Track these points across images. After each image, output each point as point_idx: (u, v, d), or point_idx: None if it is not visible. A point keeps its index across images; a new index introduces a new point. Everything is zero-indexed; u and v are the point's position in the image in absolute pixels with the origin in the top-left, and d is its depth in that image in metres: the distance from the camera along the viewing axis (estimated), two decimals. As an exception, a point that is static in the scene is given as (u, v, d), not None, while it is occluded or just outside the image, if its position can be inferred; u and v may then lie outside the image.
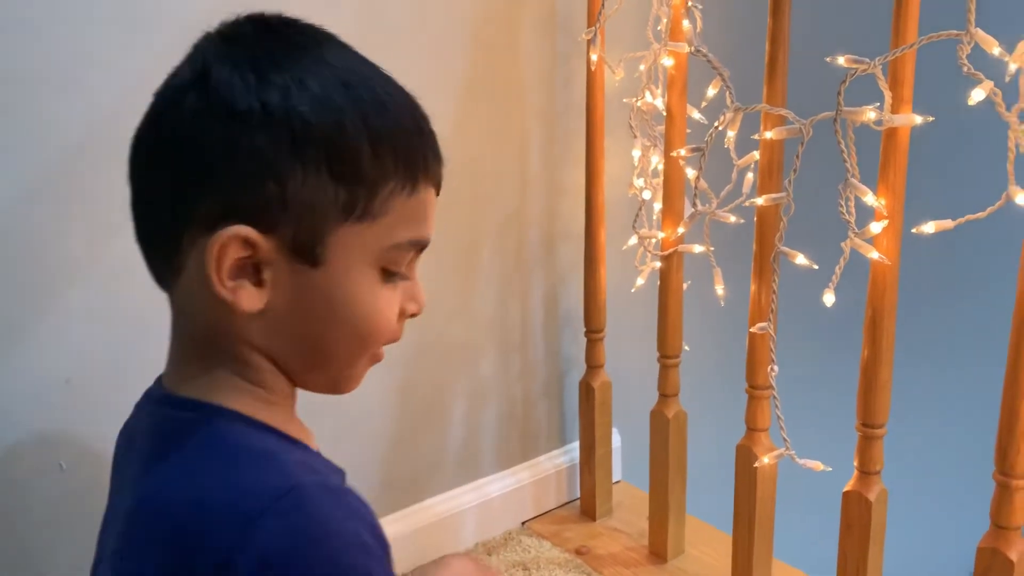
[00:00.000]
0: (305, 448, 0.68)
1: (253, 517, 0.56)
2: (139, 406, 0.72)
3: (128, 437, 0.72)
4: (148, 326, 1.01)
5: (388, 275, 0.65)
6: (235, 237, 0.59)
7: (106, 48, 0.95)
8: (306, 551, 0.56)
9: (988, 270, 1.32)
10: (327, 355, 0.66)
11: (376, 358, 0.69)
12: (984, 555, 0.92)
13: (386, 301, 0.66)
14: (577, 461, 1.44)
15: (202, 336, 0.64)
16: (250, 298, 0.61)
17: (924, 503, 1.46)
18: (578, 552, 1.32)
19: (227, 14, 0.64)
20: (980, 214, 0.89)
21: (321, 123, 0.60)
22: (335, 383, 0.69)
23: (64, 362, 0.97)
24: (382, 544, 0.60)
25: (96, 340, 0.99)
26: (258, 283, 0.62)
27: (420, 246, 0.67)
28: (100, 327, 0.99)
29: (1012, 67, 0.85)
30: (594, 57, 1.20)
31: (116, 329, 1.00)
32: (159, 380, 0.69)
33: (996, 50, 0.84)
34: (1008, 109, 0.85)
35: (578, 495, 1.45)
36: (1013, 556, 0.90)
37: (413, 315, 0.69)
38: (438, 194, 0.68)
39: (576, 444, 1.44)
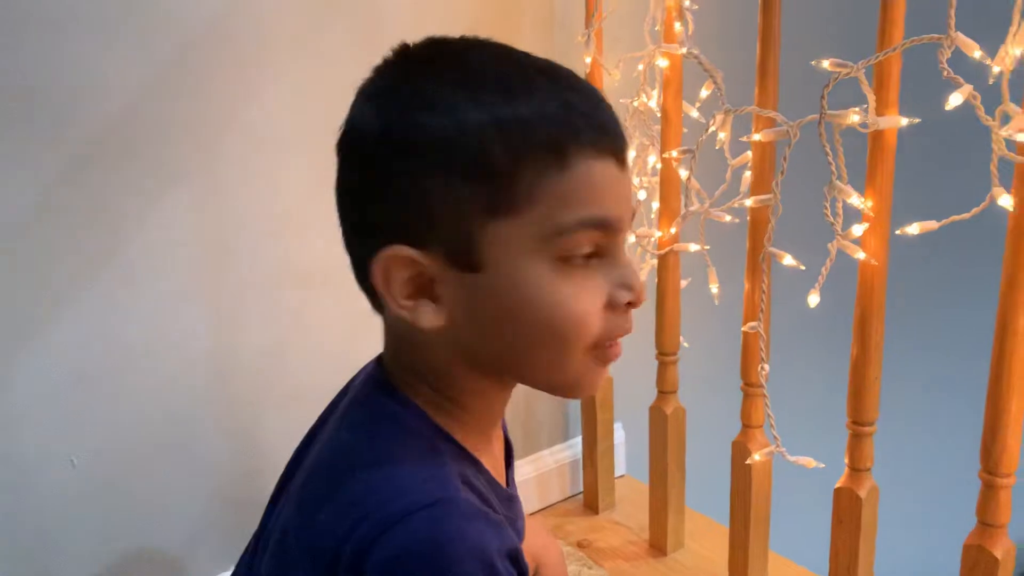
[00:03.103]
0: (479, 467, 0.67)
1: (396, 520, 0.57)
2: (361, 372, 0.74)
3: (341, 396, 0.76)
4: (160, 327, 1.05)
5: (571, 264, 0.61)
6: (393, 257, 0.60)
7: (118, 52, 0.98)
8: (427, 564, 0.56)
9: (973, 270, 1.32)
10: (524, 361, 0.64)
11: (604, 356, 0.64)
12: (970, 552, 0.93)
13: (573, 294, 0.60)
14: (580, 456, 1.46)
15: (404, 350, 0.67)
16: (428, 315, 0.62)
17: (915, 500, 1.47)
18: (579, 545, 1.35)
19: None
20: (964, 215, 0.90)
21: (438, 125, 0.58)
22: (559, 388, 0.65)
23: (76, 361, 1.01)
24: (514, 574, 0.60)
25: (108, 339, 1.02)
26: (435, 299, 0.62)
27: (600, 225, 0.61)
28: (112, 327, 1.02)
29: (995, 70, 0.85)
30: (588, 60, 1.22)
31: (128, 329, 1.03)
32: (380, 359, 0.71)
33: (977, 53, 0.84)
34: (991, 112, 0.85)
35: (581, 489, 1.47)
36: (998, 553, 0.91)
37: (631, 304, 0.63)
38: (622, 166, 0.62)
39: (579, 439, 1.46)
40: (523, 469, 1.43)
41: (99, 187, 0.99)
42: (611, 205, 0.61)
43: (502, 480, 0.73)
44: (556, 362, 0.63)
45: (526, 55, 0.64)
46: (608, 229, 0.61)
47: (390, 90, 0.62)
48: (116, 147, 0.99)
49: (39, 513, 1.01)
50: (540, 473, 1.44)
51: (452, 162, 0.59)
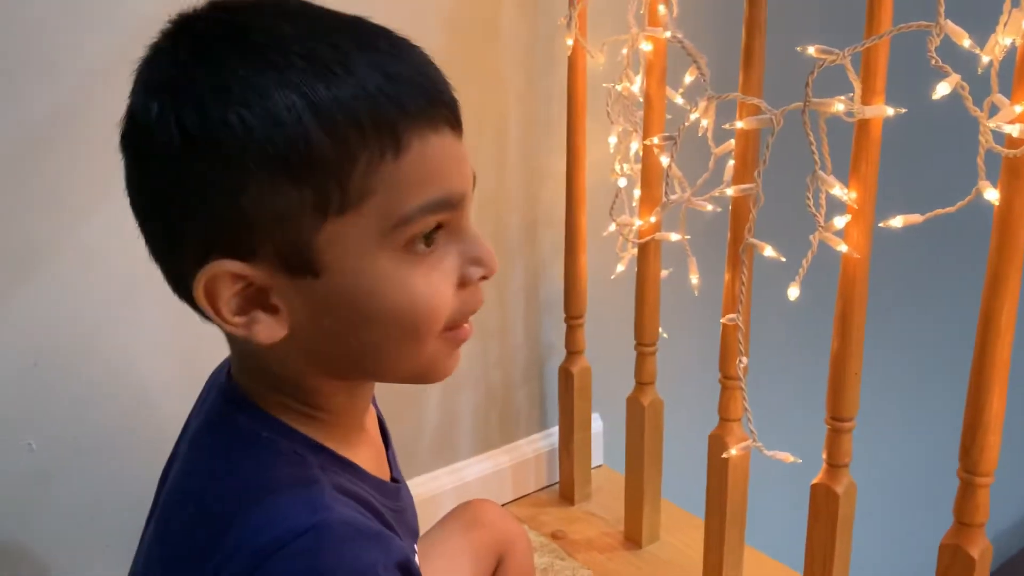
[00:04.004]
0: (354, 470, 0.62)
1: (268, 554, 0.53)
2: (209, 385, 0.69)
3: (196, 409, 0.70)
4: (116, 311, 1.02)
5: (416, 250, 0.56)
6: (216, 276, 0.54)
7: (75, 33, 0.94)
8: None
9: (957, 265, 1.30)
10: (379, 358, 0.59)
11: (456, 338, 0.61)
12: (946, 551, 0.92)
13: (424, 282, 0.56)
14: (557, 446, 1.44)
15: (250, 365, 0.61)
16: (267, 328, 0.56)
17: (892, 497, 1.46)
18: (554, 536, 1.33)
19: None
20: (949, 208, 0.88)
21: (247, 119, 0.50)
22: (416, 376, 0.61)
23: (32, 345, 0.98)
24: None
25: (63, 324, 0.99)
26: (272, 310, 0.56)
27: (444, 206, 0.56)
28: (67, 311, 0.99)
29: (985, 59, 0.83)
30: (570, 42, 1.19)
31: (83, 313, 1.00)
32: (228, 368, 0.65)
33: (967, 42, 0.82)
34: (980, 103, 0.83)
35: (558, 479, 1.45)
36: (975, 553, 0.90)
37: (484, 278, 0.60)
38: (457, 132, 0.57)
39: (556, 429, 1.44)
40: (499, 458, 1.41)
41: (56, 160, 0.96)
42: (453, 181, 0.57)
43: (384, 469, 0.69)
44: (410, 353, 0.59)
45: (327, 12, 0.57)
46: (453, 206, 0.57)
47: (180, 79, 0.52)
48: (75, 128, 0.96)
49: (-4, 498, 0.99)
50: (516, 463, 1.42)
51: (270, 162, 0.51)
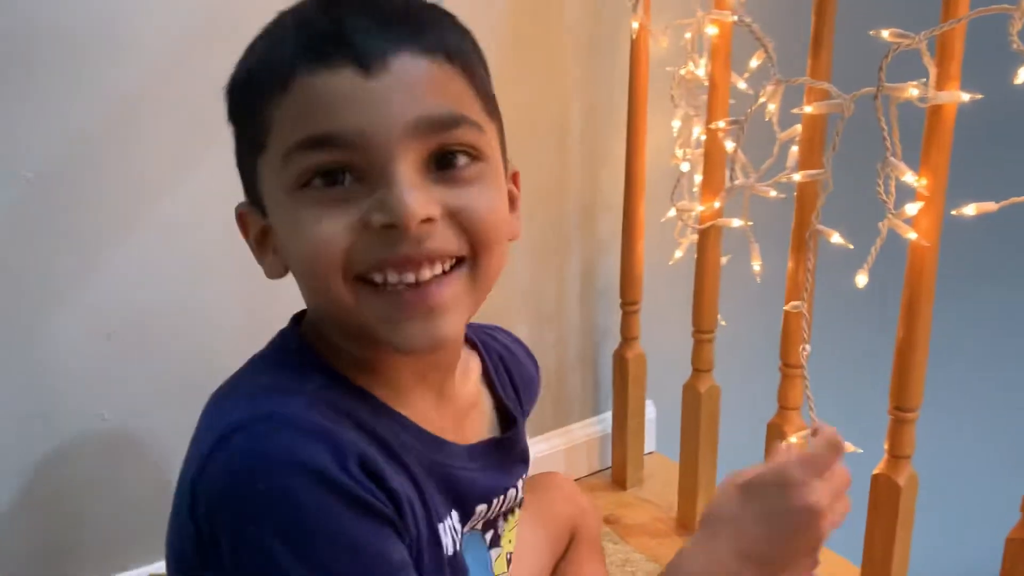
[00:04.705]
0: (391, 413, 0.62)
1: (212, 448, 0.56)
2: None
3: None
4: (189, 285, 1.04)
5: (311, 190, 0.56)
6: (239, 215, 0.65)
7: (151, 15, 0.96)
8: (246, 481, 0.53)
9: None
10: (320, 303, 0.62)
11: (405, 306, 0.57)
12: (1013, 546, 0.91)
13: (312, 217, 0.56)
14: (610, 431, 1.44)
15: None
16: (269, 265, 0.64)
17: (954, 489, 1.44)
18: (606, 521, 1.33)
19: None
20: (1025, 197, 0.86)
21: (231, 77, 0.62)
22: (370, 335, 0.59)
23: (106, 317, 1.00)
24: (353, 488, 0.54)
25: (137, 297, 1.02)
26: (276, 250, 0.63)
27: (321, 143, 0.55)
28: (142, 285, 1.01)
29: (1067, 44, 0.81)
30: (635, 24, 1.18)
31: (157, 287, 1.02)
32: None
33: (1049, 26, 0.80)
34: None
35: (610, 464, 1.45)
36: (1042, 548, 0.89)
37: (389, 226, 0.55)
38: (367, 72, 0.54)
39: (609, 414, 1.44)
40: (552, 441, 1.41)
41: (133, 143, 0.98)
42: (339, 118, 0.55)
43: (461, 434, 0.69)
44: (328, 299, 0.58)
45: None
46: (336, 145, 0.55)
47: None
48: (151, 103, 0.98)
49: (72, 466, 1.02)
50: (569, 447, 1.43)
51: (230, 110, 0.62)
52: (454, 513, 0.67)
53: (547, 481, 0.97)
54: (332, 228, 0.56)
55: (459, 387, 0.71)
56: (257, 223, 0.63)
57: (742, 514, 0.58)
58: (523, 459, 0.76)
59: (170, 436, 1.06)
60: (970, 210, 0.90)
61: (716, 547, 0.59)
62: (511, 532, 0.77)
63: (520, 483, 0.76)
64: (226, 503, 0.54)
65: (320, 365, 0.62)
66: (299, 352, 0.63)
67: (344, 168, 0.56)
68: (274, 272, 0.64)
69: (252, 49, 0.61)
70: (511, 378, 0.79)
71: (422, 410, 0.66)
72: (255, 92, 0.58)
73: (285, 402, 0.57)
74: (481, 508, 0.70)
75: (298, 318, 0.68)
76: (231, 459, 0.54)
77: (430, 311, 0.58)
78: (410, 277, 0.57)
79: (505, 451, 0.74)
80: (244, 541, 0.53)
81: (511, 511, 0.76)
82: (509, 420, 0.76)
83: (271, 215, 0.61)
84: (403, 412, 0.64)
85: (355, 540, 0.54)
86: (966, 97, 0.87)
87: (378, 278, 0.57)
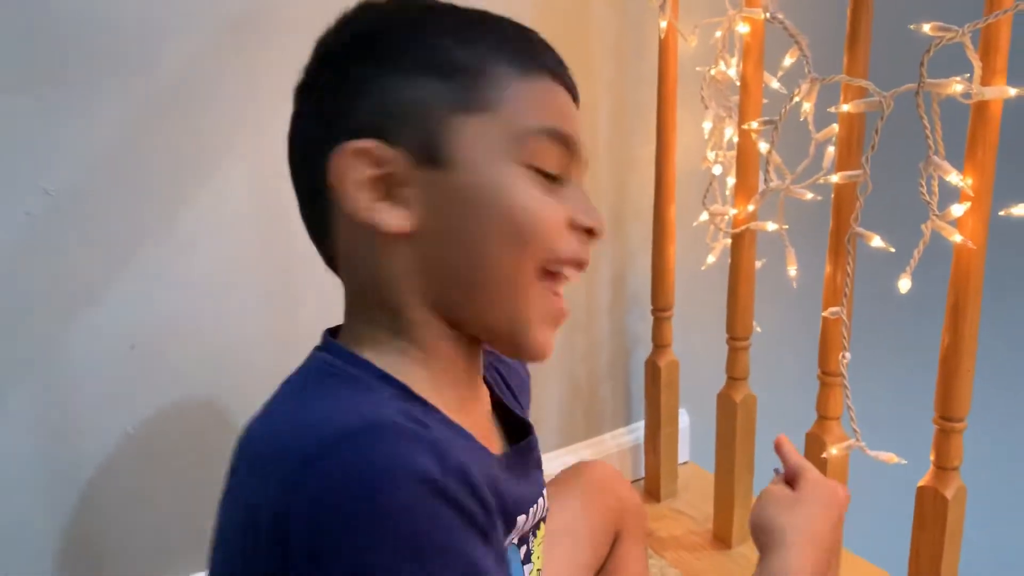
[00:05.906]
0: (448, 422, 0.60)
1: (315, 457, 0.50)
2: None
3: None
4: (212, 298, 1.03)
5: (542, 178, 0.60)
6: (358, 150, 0.58)
7: (179, 27, 0.95)
8: (360, 497, 0.48)
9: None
10: (487, 275, 0.60)
11: (556, 312, 0.63)
12: (1069, 562, 0.86)
13: (539, 198, 0.60)
14: (642, 441, 1.41)
15: (363, 292, 0.63)
16: (395, 218, 0.59)
17: (1002, 501, 1.39)
18: (640, 534, 1.30)
19: None
20: (1078, 196, 0.82)
21: (397, 25, 0.61)
22: (513, 331, 0.61)
23: (130, 328, 0.99)
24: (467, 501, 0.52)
25: (161, 308, 1.00)
26: (403, 203, 0.59)
27: (562, 140, 0.61)
28: (166, 295, 1.00)
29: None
30: (664, 24, 1.15)
31: (182, 298, 1.01)
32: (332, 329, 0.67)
33: (1102, 16, 0.76)
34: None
35: (643, 475, 1.42)
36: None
37: (591, 232, 0.63)
38: (576, 100, 0.65)
39: (642, 424, 1.41)
40: (583, 452, 1.38)
41: (157, 153, 0.97)
42: (572, 125, 0.62)
43: (490, 444, 0.67)
44: (516, 276, 0.60)
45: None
46: (570, 148, 0.62)
47: (360, 23, 0.64)
48: (172, 117, 0.97)
49: (94, 481, 1.01)
50: (600, 457, 1.39)
51: (415, 57, 0.60)
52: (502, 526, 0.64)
53: (590, 470, 0.94)
54: (555, 210, 0.61)
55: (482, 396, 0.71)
56: (398, 165, 0.59)
57: (809, 512, 0.69)
58: (539, 465, 0.74)
59: (192, 448, 1.05)
60: (1019, 211, 0.86)
61: (800, 552, 0.66)
62: (539, 548, 0.74)
63: (544, 491, 0.74)
64: (341, 517, 0.49)
65: (381, 375, 0.60)
66: (356, 364, 0.60)
67: (562, 171, 0.62)
68: (396, 223, 0.59)
69: (458, 28, 0.62)
70: (505, 382, 0.78)
71: (471, 422, 0.64)
72: (481, 58, 0.60)
73: (376, 411, 0.54)
74: (522, 519, 0.68)
75: (332, 333, 0.65)
76: (342, 470, 0.49)
77: (561, 322, 0.65)
78: (576, 279, 0.64)
79: (526, 457, 0.72)
80: (364, 559, 0.49)
81: (538, 525, 0.73)
82: (514, 426, 0.74)
83: (466, 169, 0.59)
84: (459, 423, 0.62)
85: (467, 554, 0.51)
86: (1013, 92, 0.83)
87: (566, 270, 0.63)
